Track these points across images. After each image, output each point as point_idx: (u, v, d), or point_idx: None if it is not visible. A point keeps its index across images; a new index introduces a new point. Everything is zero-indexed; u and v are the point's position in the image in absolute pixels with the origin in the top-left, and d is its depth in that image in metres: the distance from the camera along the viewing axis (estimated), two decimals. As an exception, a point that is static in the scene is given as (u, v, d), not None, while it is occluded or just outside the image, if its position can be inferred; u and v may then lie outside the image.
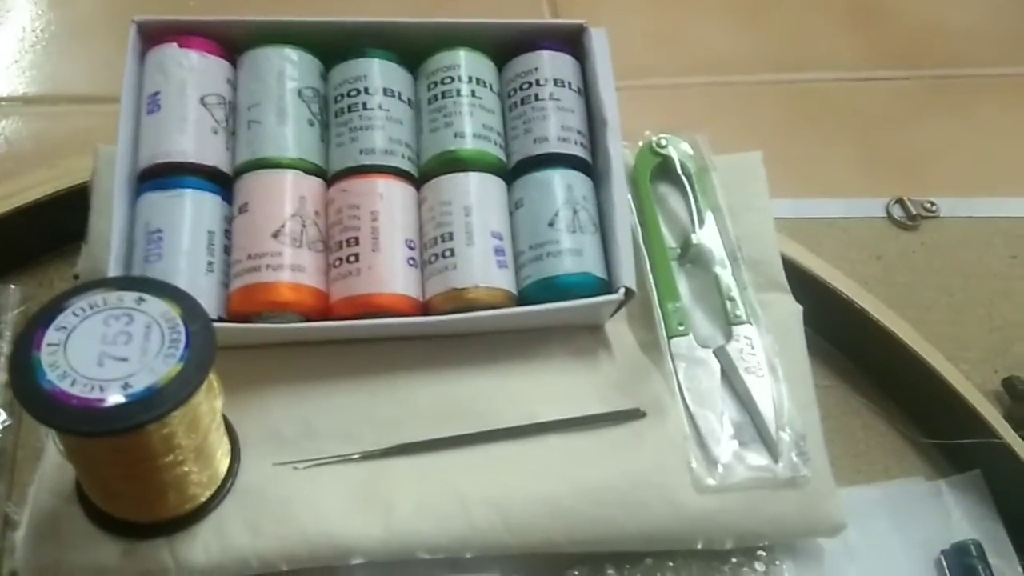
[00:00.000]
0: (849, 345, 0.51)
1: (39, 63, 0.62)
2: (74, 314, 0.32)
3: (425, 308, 0.44)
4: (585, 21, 0.48)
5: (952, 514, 0.45)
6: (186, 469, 0.36)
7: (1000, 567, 0.43)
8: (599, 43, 0.48)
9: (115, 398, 0.30)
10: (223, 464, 0.39)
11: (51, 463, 0.39)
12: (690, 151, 0.50)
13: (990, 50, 0.72)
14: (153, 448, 0.33)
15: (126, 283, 0.34)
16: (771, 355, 0.43)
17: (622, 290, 0.43)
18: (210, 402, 0.35)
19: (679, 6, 0.73)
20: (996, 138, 0.67)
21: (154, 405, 0.31)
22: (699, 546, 0.40)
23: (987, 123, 0.68)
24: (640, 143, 0.50)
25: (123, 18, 0.45)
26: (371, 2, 0.63)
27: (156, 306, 0.33)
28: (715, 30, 0.71)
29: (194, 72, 0.45)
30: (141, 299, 0.33)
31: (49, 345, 0.31)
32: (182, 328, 0.32)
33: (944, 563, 0.43)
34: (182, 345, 0.32)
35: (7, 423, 0.42)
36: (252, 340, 0.43)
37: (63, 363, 0.31)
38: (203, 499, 0.38)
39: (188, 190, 0.43)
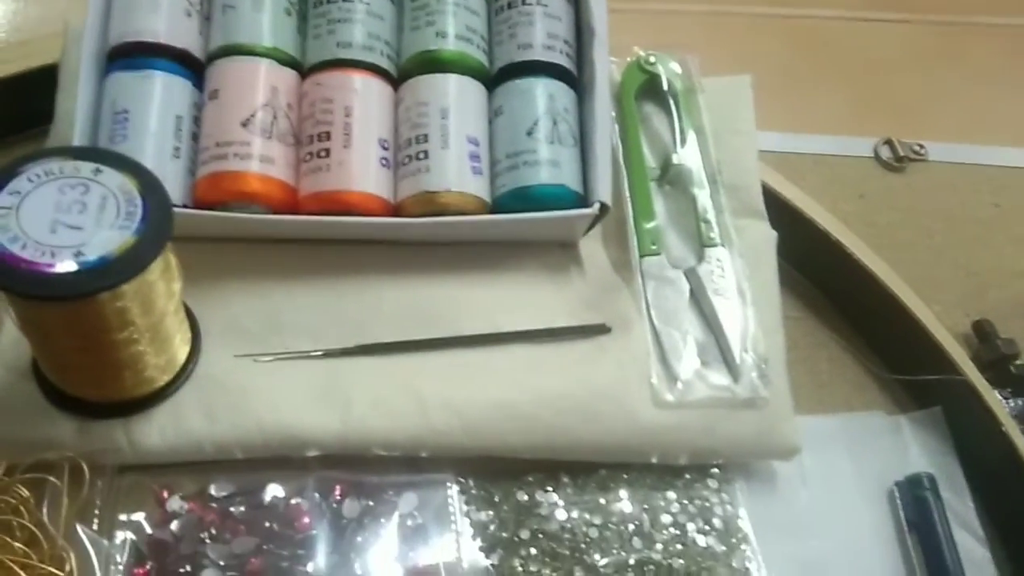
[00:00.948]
0: (823, 278, 0.51)
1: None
2: (28, 180, 0.31)
3: (396, 210, 0.43)
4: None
5: (910, 448, 0.46)
6: (141, 348, 0.35)
7: (951, 501, 0.44)
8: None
9: (66, 265, 0.30)
10: (182, 351, 0.39)
11: (7, 339, 0.39)
12: (678, 71, 0.49)
13: (988, -1, 0.71)
14: (106, 320, 0.33)
15: (84, 153, 0.33)
16: (741, 279, 0.43)
17: (597, 204, 0.42)
18: (167, 283, 0.34)
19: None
20: (989, 86, 0.66)
21: (106, 274, 0.30)
22: (654, 460, 0.40)
23: (981, 71, 0.67)
24: (629, 59, 0.49)
25: None
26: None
27: (113, 178, 0.32)
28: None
29: (170, -48, 0.43)
30: (98, 170, 0.32)
31: (1, 208, 0.30)
32: (139, 201, 0.32)
33: (896, 493, 0.44)
34: (138, 218, 0.31)
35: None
36: (217, 230, 0.42)
37: (14, 227, 0.30)
38: (160, 384, 0.38)
39: (158, 72, 0.42)
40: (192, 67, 0.43)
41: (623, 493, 0.40)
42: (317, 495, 0.39)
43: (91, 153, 0.33)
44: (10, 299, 0.32)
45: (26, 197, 0.31)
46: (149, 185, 0.32)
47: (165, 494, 0.37)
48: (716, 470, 0.41)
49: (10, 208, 0.31)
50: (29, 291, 0.29)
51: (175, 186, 0.40)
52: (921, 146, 0.60)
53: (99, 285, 0.30)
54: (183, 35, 0.43)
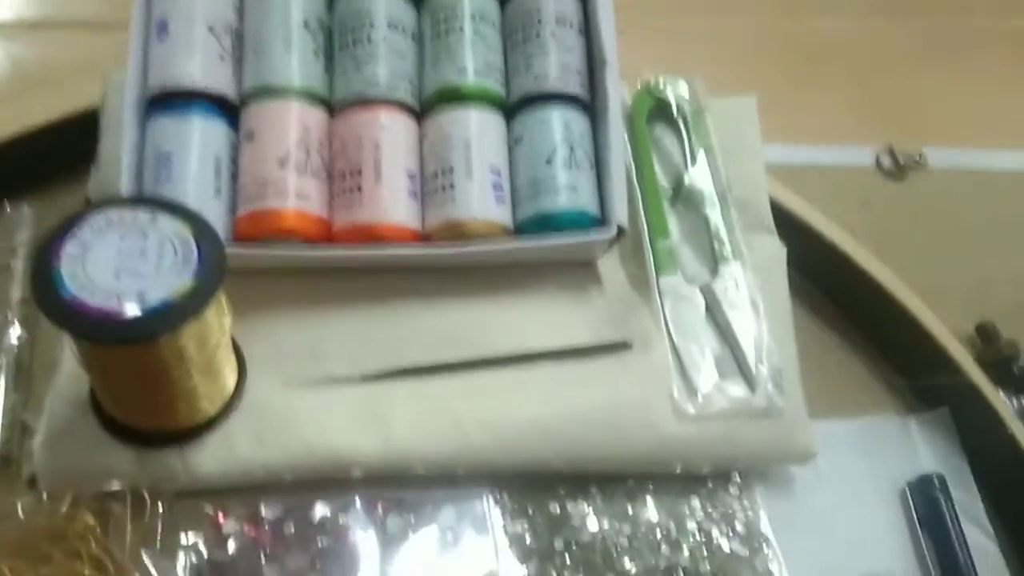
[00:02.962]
0: (830, 286, 0.53)
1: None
2: (92, 229, 0.34)
3: (424, 238, 0.45)
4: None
5: (919, 449, 0.48)
6: (195, 382, 0.37)
7: (962, 499, 0.46)
8: (601, -18, 0.49)
9: (131, 309, 0.32)
10: (231, 380, 0.41)
11: (67, 374, 0.41)
12: (686, 93, 0.51)
13: (988, 2, 0.73)
14: (165, 358, 0.35)
15: (140, 202, 0.35)
16: (754, 292, 0.45)
17: (614, 227, 0.44)
18: (219, 319, 0.37)
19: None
20: (989, 91, 0.68)
21: (168, 317, 0.32)
22: (678, 470, 0.43)
23: (981, 76, 0.68)
24: (638, 83, 0.51)
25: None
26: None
27: (169, 224, 0.34)
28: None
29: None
30: (154, 218, 0.34)
31: (68, 257, 0.33)
32: (194, 246, 0.34)
33: (908, 494, 0.46)
34: (194, 262, 0.34)
35: (23, 337, 0.43)
36: (258, 264, 0.44)
37: (82, 275, 0.32)
38: (212, 413, 0.41)
39: (196, 115, 0.44)
40: (227, 109, 0.45)
41: (650, 502, 0.42)
42: (363, 512, 0.41)
43: (147, 202, 0.35)
44: (75, 340, 0.35)
45: (91, 246, 0.33)
46: (202, 230, 0.35)
47: (220, 517, 0.40)
48: (736, 477, 0.43)
49: (77, 257, 0.33)
50: (100, 336, 0.32)
51: (217, 224, 0.42)
52: (921, 155, 0.62)
53: (163, 328, 0.32)
54: (218, 79, 0.45)
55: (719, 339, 0.44)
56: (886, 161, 0.62)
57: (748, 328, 0.44)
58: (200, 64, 0.45)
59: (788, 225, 0.51)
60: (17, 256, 0.46)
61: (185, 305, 0.33)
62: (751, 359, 0.43)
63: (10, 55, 0.59)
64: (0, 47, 0.59)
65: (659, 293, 0.45)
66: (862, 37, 0.71)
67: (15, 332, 0.43)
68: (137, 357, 0.34)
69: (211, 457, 0.40)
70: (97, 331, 0.31)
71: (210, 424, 0.41)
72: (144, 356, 0.34)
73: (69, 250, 0.33)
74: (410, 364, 0.43)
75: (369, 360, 0.43)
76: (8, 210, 0.47)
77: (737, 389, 0.43)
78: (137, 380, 0.36)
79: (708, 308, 0.45)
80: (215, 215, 0.43)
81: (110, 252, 0.33)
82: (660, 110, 0.51)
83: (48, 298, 0.32)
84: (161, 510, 0.39)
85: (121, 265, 0.33)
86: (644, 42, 0.67)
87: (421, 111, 0.47)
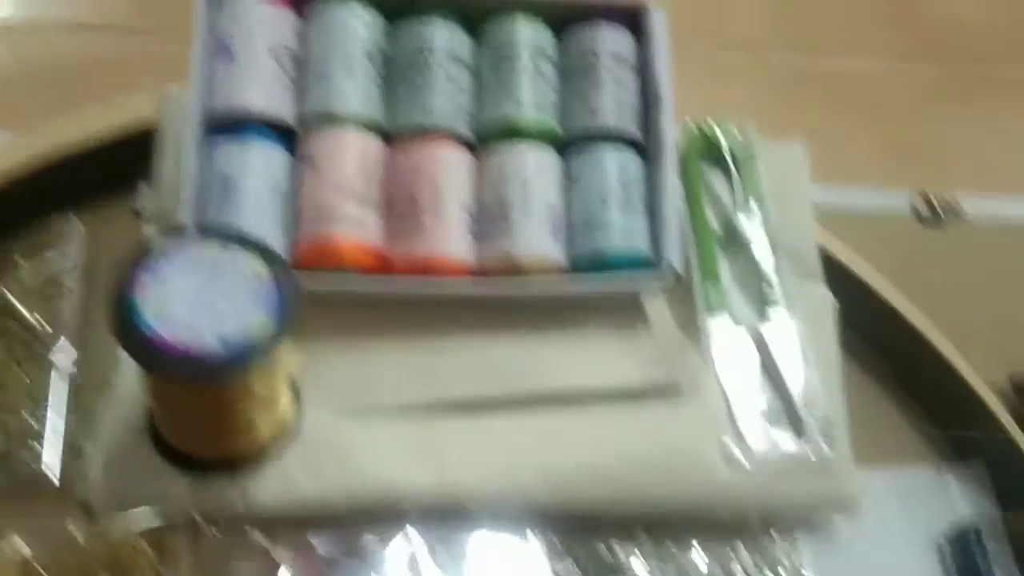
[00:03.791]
0: (868, 332, 0.54)
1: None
2: (168, 261, 0.34)
3: (478, 272, 0.45)
4: (646, 0, 0.49)
5: (956, 500, 0.48)
6: (256, 415, 0.37)
7: (997, 552, 0.46)
8: (658, 23, 0.49)
9: (211, 347, 0.32)
10: (287, 411, 0.41)
11: (122, 398, 0.41)
12: (736, 136, 0.51)
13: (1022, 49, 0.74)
14: (233, 394, 0.35)
15: (215, 233, 0.35)
16: (804, 340, 0.46)
17: (668, 270, 0.44)
18: (287, 355, 0.37)
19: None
20: (1020, 138, 0.69)
21: (247, 355, 0.32)
22: (726, 517, 0.43)
23: (1016, 123, 0.69)
24: (688, 122, 0.52)
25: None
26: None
27: (243, 259, 0.34)
28: (751, 11, 0.72)
29: (265, 23, 0.45)
30: (229, 251, 0.34)
31: (146, 289, 0.33)
32: (270, 282, 0.34)
33: (945, 545, 0.47)
34: (270, 298, 0.34)
35: (77, 357, 0.43)
36: (316, 290, 0.44)
37: (160, 309, 0.32)
38: (267, 442, 0.40)
39: (257, 141, 0.44)
40: (285, 133, 0.45)
41: (697, 548, 0.42)
42: (410, 545, 0.41)
43: (222, 234, 0.35)
44: (145, 372, 0.35)
45: (167, 279, 0.33)
46: (277, 265, 0.35)
47: (273, 547, 0.40)
48: (782, 524, 0.44)
49: (154, 290, 0.33)
50: (180, 374, 0.32)
51: (277, 251, 0.43)
52: (956, 200, 0.62)
53: (241, 366, 0.32)
54: (280, 105, 0.45)
55: (769, 385, 0.45)
56: (920, 206, 0.62)
57: (798, 376, 0.44)
58: (263, 90, 0.45)
59: (827, 269, 0.51)
60: (69, 273, 0.46)
61: (263, 343, 0.33)
62: (801, 408, 0.44)
63: (49, 55, 0.58)
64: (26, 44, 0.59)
65: (708, 336, 0.46)
66: (892, 80, 0.72)
67: (69, 352, 0.43)
68: (205, 391, 0.34)
69: (268, 488, 0.40)
70: (177, 368, 0.31)
71: (265, 453, 0.41)
72: (213, 391, 0.34)
73: (146, 282, 0.33)
74: (458, 395, 0.43)
75: (419, 392, 0.43)
76: (60, 225, 0.47)
77: (787, 438, 0.43)
78: (201, 412, 0.36)
79: (758, 353, 0.45)
80: (275, 242, 0.43)
81: (187, 286, 0.33)
82: (709, 151, 0.51)
83: (129, 334, 0.31)
84: (215, 539, 0.39)
85: (198, 299, 0.33)
86: (678, 80, 0.67)
87: (477, 143, 0.47)
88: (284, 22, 0.46)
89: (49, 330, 0.43)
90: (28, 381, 0.42)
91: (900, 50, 0.72)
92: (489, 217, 0.45)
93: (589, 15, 0.48)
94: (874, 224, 0.61)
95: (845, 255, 0.53)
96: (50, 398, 0.42)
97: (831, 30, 0.72)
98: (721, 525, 0.43)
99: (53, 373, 0.42)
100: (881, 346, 0.54)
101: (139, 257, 0.33)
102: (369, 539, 0.41)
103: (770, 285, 0.47)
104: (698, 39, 0.69)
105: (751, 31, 0.71)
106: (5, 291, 0.44)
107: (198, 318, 0.33)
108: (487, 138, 0.47)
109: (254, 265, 0.34)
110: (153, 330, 0.32)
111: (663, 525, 0.43)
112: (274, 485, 0.40)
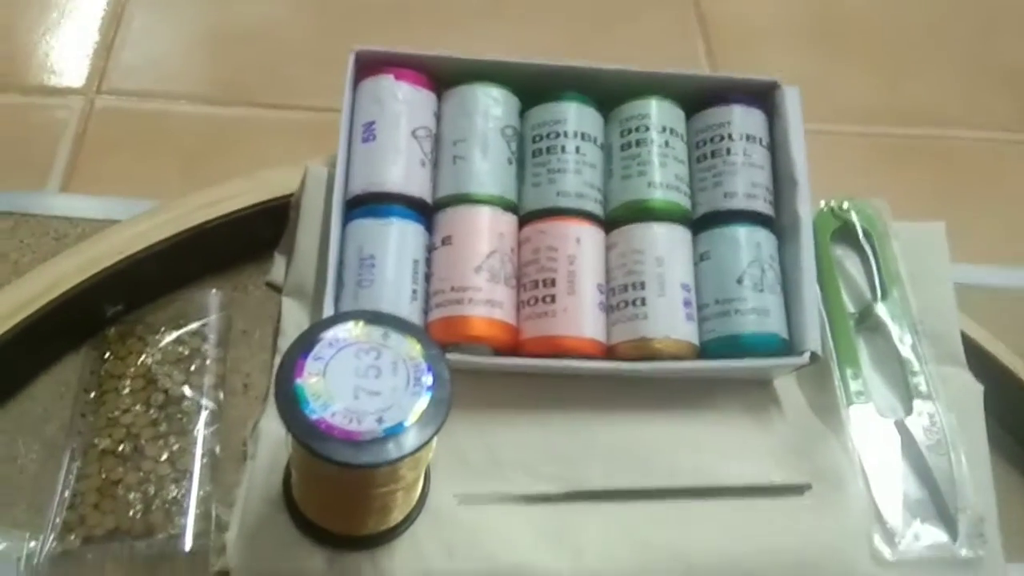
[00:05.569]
0: (1010, 419, 0.51)
1: (217, 63, 0.65)
2: (329, 345, 0.34)
3: (610, 352, 0.45)
4: (779, 78, 0.49)
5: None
6: (400, 496, 0.38)
7: None
8: (791, 101, 0.49)
9: (371, 431, 0.32)
10: (418, 486, 0.41)
11: (261, 469, 0.41)
12: (871, 216, 0.50)
13: None
14: (380, 478, 0.35)
15: (372, 318, 0.35)
16: (953, 433, 0.44)
17: (807, 354, 0.43)
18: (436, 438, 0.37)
19: (828, 55, 0.73)
20: None
21: (405, 440, 0.32)
22: (871, 615, 0.41)
23: None
24: (821, 204, 0.51)
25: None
26: (525, 31, 0.65)
27: (400, 343, 0.35)
28: (864, 82, 0.71)
29: (407, 104, 0.47)
30: (386, 334, 0.35)
31: (310, 375, 0.33)
32: (425, 366, 0.34)
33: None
34: (427, 383, 0.34)
35: (215, 426, 0.44)
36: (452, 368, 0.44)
37: (324, 393, 0.33)
38: (399, 519, 0.40)
39: (397, 219, 0.45)
40: (423, 212, 0.46)
41: (841, 648, 0.41)
42: (543, 634, 0.40)
43: (379, 318, 0.35)
44: (296, 448, 0.35)
45: (329, 363, 0.34)
46: (430, 349, 0.35)
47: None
48: (928, 626, 0.42)
49: (318, 375, 0.33)
50: (344, 459, 0.32)
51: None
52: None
53: (402, 453, 0.32)
54: (419, 184, 0.46)
55: (916, 480, 0.43)
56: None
57: (947, 470, 0.43)
58: (403, 169, 0.46)
59: (966, 353, 0.49)
60: (208, 341, 0.47)
61: (420, 427, 0.33)
62: (951, 504, 0.42)
63: (186, 128, 0.61)
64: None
65: (849, 425, 0.44)
66: (1011, 151, 0.69)
67: (208, 420, 0.44)
68: (359, 474, 0.35)
69: (401, 565, 0.40)
70: (342, 454, 0.32)
71: (397, 530, 0.40)
72: (366, 474, 0.34)
73: (310, 367, 0.33)
74: (586, 477, 0.43)
75: (547, 472, 0.43)
76: (204, 296, 0.48)
77: (938, 535, 0.41)
78: (349, 491, 0.36)
79: (903, 445, 0.44)
80: (410, 318, 0.43)
81: (347, 370, 0.34)
82: (842, 232, 0.50)
83: (295, 419, 0.32)
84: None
85: (359, 383, 0.33)
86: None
87: (608, 222, 0.47)
88: (426, 105, 0.48)
89: (193, 400, 0.44)
90: (172, 451, 0.43)
91: (1021, 121, 0.70)
92: (622, 296, 0.45)
93: (721, 97, 0.49)
94: (1006, 305, 0.58)
95: (982, 336, 0.51)
96: (192, 468, 0.42)
97: (948, 99, 0.71)
98: (865, 625, 0.41)
99: (196, 444, 0.43)
100: (1018, 430, 0.51)
101: (302, 341, 0.34)
102: (500, 623, 0.40)
103: (913, 372, 0.46)
104: (809, 110, 0.69)
105: (864, 100, 0.70)
106: (151, 362, 0.45)
107: (360, 403, 0.33)
108: (617, 217, 0.47)
109: (411, 350, 0.35)
110: (316, 414, 0.32)
111: (803, 622, 0.41)
112: (408, 562, 0.40)
